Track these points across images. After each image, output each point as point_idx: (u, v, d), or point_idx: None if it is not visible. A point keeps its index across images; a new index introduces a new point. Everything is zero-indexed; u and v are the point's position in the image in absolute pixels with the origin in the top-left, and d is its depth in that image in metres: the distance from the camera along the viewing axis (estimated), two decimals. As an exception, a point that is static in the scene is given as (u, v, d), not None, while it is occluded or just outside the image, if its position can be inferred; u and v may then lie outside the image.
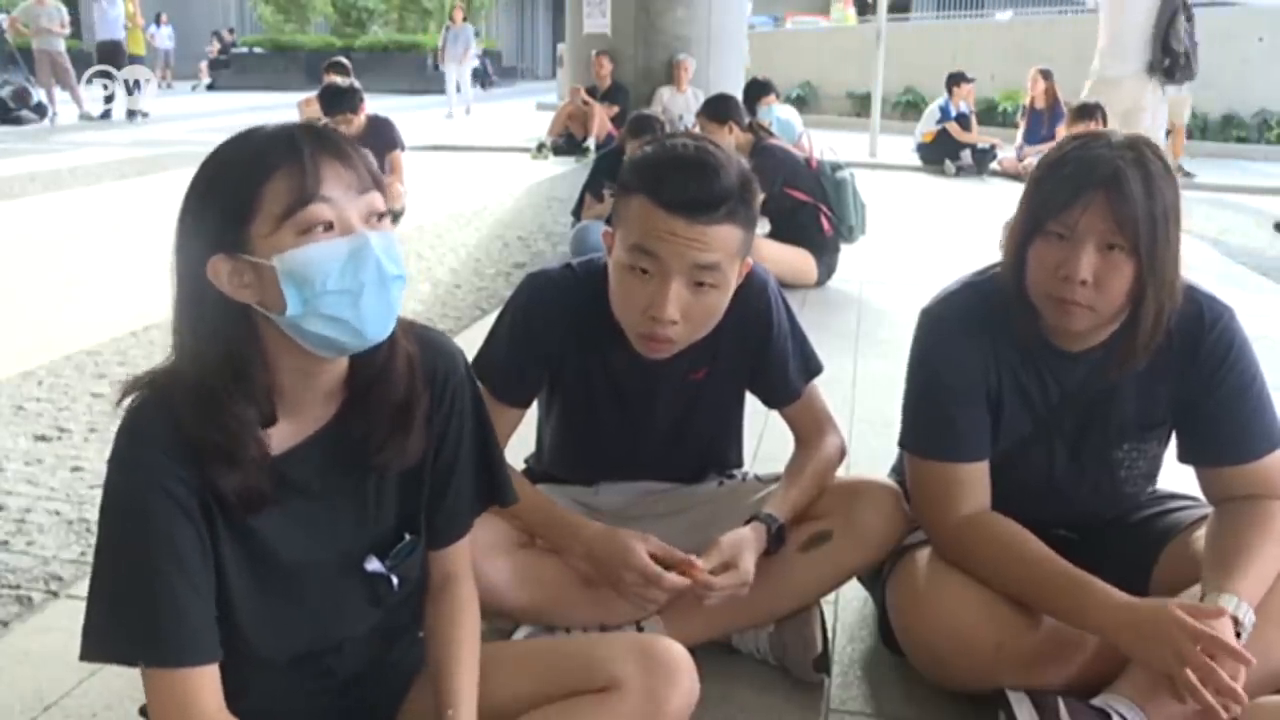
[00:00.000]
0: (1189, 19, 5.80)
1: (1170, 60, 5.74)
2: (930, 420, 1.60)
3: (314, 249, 0.99)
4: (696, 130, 5.31)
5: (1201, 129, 11.80)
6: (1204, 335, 1.50)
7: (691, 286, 1.46)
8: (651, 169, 1.46)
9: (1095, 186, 1.37)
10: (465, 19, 15.53)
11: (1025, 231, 1.46)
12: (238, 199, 0.99)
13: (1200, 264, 5.30)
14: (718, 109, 4.78)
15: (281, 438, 1.10)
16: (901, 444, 1.65)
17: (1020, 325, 1.52)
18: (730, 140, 4.66)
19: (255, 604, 1.11)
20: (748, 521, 1.60)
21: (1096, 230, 1.38)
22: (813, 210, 4.57)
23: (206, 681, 1.04)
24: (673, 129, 8.72)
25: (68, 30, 13.38)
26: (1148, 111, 5.88)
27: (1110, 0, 5.93)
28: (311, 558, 1.15)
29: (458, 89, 16.01)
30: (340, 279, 1.00)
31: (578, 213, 5.32)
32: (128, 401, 1.06)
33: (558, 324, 1.62)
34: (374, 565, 1.19)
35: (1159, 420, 1.58)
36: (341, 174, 1.01)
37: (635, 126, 4.71)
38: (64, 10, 13.26)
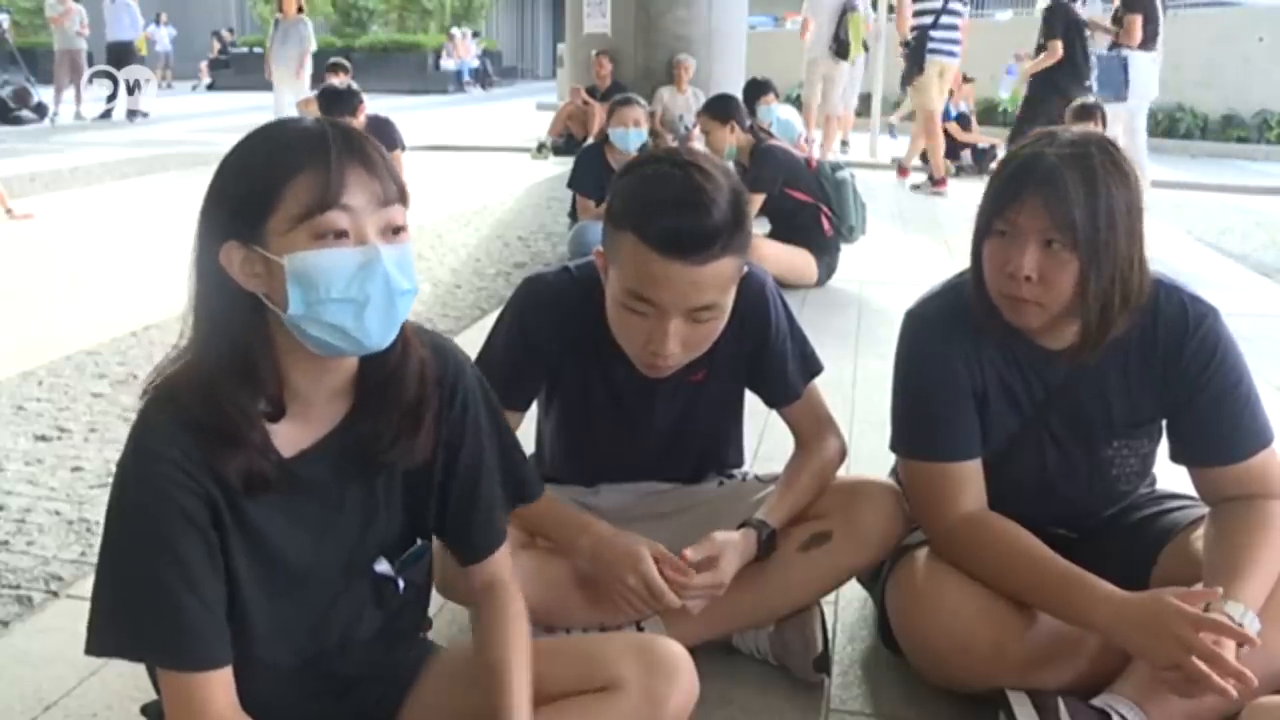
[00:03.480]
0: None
1: (839, 45, 9.13)
2: (919, 421, 1.60)
3: (325, 255, 0.99)
4: (697, 131, 5.32)
5: (1202, 129, 11.79)
6: (1188, 336, 1.51)
7: (690, 322, 1.45)
8: (640, 207, 1.41)
9: (1033, 185, 1.40)
10: (301, 10, 10.27)
11: (978, 231, 1.49)
12: (259, 193, 0.99)
13: (1199, 263, 5.31)
14: (719, 108, 4.79)
15: (294, 439, 1.10)
16: (893, 448, 1.65)
17: (987, 325, 1.53)
18: (731, 140, 4.68)
19: (264, 609, 1.11)
20: (740, 526, 1.60)
21: (1035, 227, 1.40)
22: (813, 210, 4.57)
23: (216, 683, 1.04)
24: (673, 128, 8.73)
25: (88, 31, 13.52)
26: (840, 79, 9.50)
27: (811, 3, 9.22)
28: (320, 560, 1.15)
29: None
30: (346, 289, 0.99)
31: (573, 213, 5.31)
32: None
33: (555, 330, 1.62)
34: (383, 567, 1.20)
35: (1146, 419, 1.59)
36: (366, 183, 1.01)
37: (620, 105, 4.83)
38: (84, 11, 13.40)
